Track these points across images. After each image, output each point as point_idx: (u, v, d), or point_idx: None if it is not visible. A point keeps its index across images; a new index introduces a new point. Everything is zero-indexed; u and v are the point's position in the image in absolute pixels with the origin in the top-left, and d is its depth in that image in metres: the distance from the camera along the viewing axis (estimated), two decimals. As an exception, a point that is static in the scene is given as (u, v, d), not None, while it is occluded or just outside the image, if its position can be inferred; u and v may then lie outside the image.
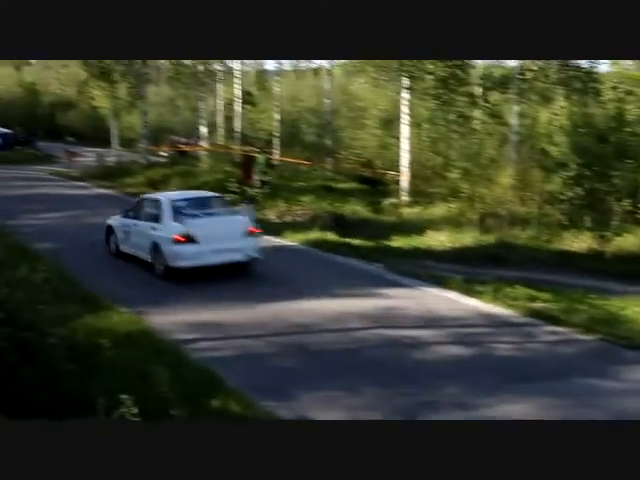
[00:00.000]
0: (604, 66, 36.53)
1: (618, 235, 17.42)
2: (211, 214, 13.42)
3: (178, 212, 13.06)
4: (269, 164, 25.48)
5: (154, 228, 13.12)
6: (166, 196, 14.32)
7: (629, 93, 26.64)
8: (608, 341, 9.53)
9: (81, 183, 33.30)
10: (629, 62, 28.43)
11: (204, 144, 35.15)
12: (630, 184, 19.17)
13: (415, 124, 28.94)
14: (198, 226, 12.71)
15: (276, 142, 38.36)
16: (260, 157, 25.13)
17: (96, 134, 73.55)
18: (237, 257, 12.83)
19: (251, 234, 13.33)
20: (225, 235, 12.90)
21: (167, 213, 13.10)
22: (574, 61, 25.93)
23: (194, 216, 13.01)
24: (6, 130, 62.84)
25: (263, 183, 23.52)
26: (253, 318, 10.05)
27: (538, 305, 11.21)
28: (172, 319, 9.72)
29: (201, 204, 13.86)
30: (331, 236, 16.97)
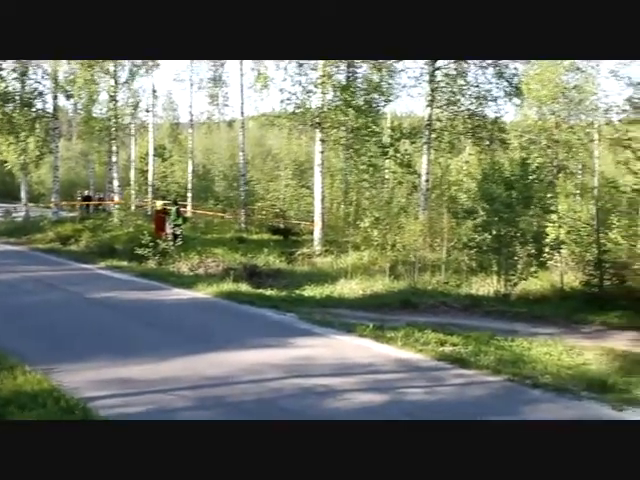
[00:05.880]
0: (509, 116, 37.77)
1: (523, 278, 18.01)
2: None
3: None
4: (181, 216, 25.39)
5: None
6: None
7: (532, 142, 27.78)
8: (514, 381, 9.82)
9: (-13, 240, 32.36)
10: (532, 111, 29.11)
11: (116, 198, 34.77)
12: (534, 229, 19.92)
13: (328, 174, 29.34)
14: None
15: (189, 194, 38.29)
16: (172, 210, 25.05)
17: (4, 189, 71.76)
18: None
19: None
20: None
21: None
22: (481, 110, 26.88)
23: None
24: None
25: (175, 236, 23.40)
26: (164, 372, 9.91)
27: (447, 349, 11.48)
28: (80, 377, 9.50)
29: None
30: (244, 287, 16.98)
